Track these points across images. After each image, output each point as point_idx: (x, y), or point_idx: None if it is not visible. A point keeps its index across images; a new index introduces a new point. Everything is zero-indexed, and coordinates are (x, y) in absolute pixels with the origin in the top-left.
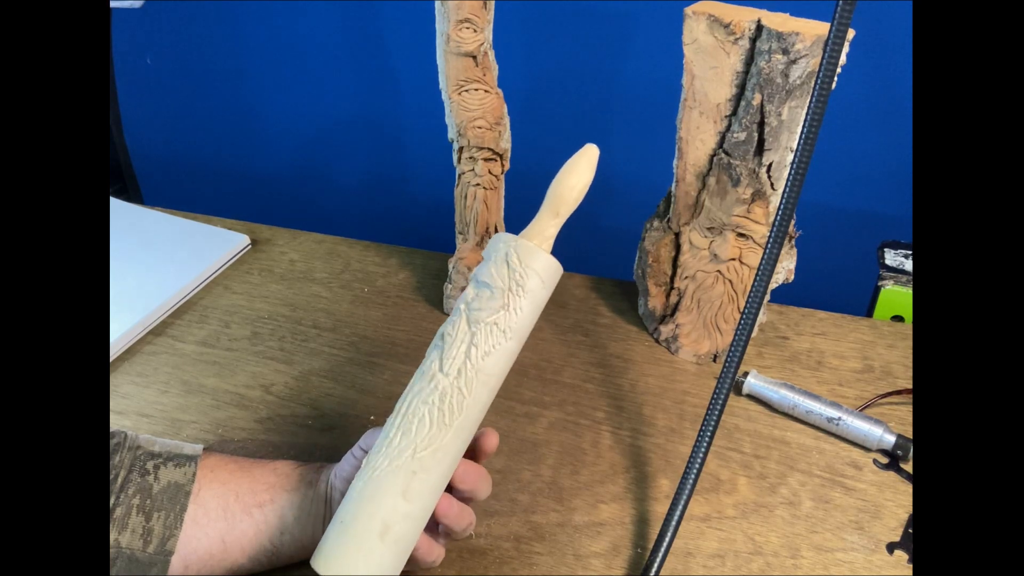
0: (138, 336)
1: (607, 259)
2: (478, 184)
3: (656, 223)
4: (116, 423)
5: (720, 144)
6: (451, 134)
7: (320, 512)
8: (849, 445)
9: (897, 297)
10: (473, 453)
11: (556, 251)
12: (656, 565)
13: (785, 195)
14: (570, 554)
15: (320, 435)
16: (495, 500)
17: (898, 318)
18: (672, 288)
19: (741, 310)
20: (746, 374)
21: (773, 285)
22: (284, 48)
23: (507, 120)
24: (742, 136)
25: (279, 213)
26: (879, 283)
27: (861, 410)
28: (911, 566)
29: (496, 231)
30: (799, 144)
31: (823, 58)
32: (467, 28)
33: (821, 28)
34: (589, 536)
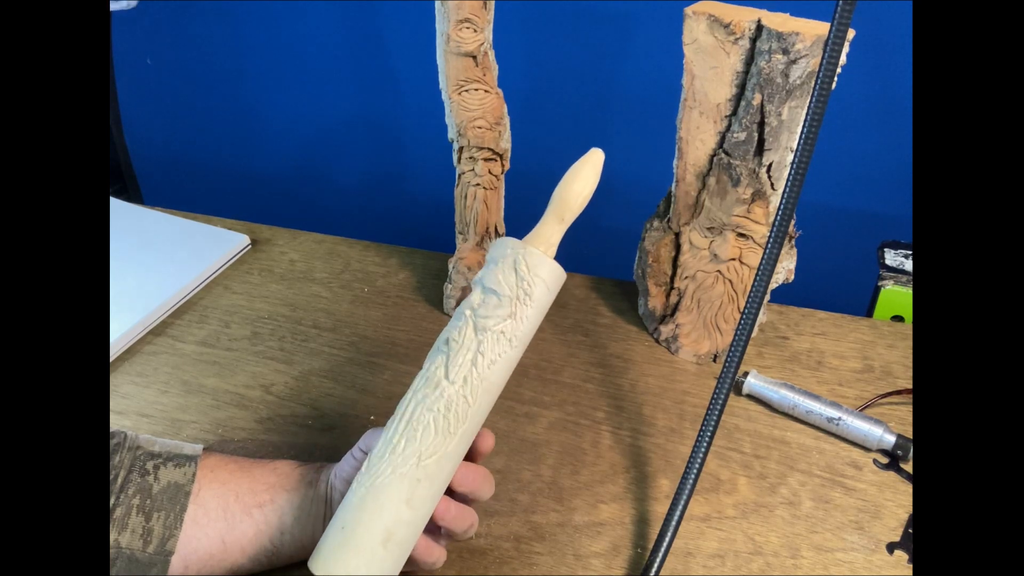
0: (138, 336)
1: (607, 259)
2: (478, 184)
3: (656, 223)
4: (116, 423)
5: (720, 144)
6: (451, 134)
7: (320, 512)
8: (849, 445)
9: (897, 297)
10: (469, 454)
11: (557, 251)
12: (656, 565)
13: (785, 195)
14: (570, 554)
15: (320, 435)
16: (495, 500)
17: (898, 318)
18: (672, 288)
19: (741, 310)
20: (746, 374)
21: (773, 285)
22: (284, 48)
23: (507, 120)
24: (742, 136)
25: (279, 213)
26: (879, 283)
27: (861, 410)
28: (911, 566)
29: (496, 231)
30: (799, 144)
31: (823, 58)
32: (467, 28)
33: (821, 28)
34: (589, 536)
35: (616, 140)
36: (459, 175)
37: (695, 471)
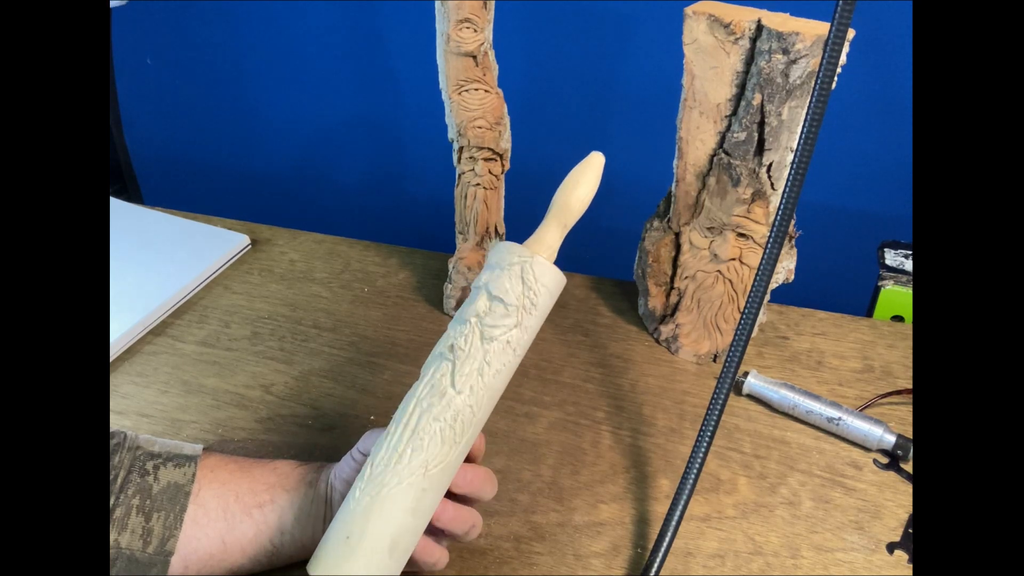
0: (138, 336)
1: (607, 259)
2: (478, 184)
3: (656, 223)
4: (116, 423)
5: (720, 144)
6: (451, 134)
7: (320, 512)
8: (849, 445)
9: (897, 297)
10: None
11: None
12: (656, 565)
13: (785, 195)
14: (570, 554)
15: (320, 435)
16: (495, 500)
17: (898, 318)
18: (672, 288)
19: (741, 310)
20: (746, 374)
21: (773, 285)
22: (284, 48)
23: (507, 120)
24: (742, 136)
25: (279, 213)
26: (879, 283)
27: (861, 410)
28: (911, 566)
29: (496, 231)
30: (799, 144)
31: (823, 58)
32: (467, 28)
33: (821, 28)
34: (589, 536)
35: (616, 140)
36: (459, 175)
37: (695, 471)
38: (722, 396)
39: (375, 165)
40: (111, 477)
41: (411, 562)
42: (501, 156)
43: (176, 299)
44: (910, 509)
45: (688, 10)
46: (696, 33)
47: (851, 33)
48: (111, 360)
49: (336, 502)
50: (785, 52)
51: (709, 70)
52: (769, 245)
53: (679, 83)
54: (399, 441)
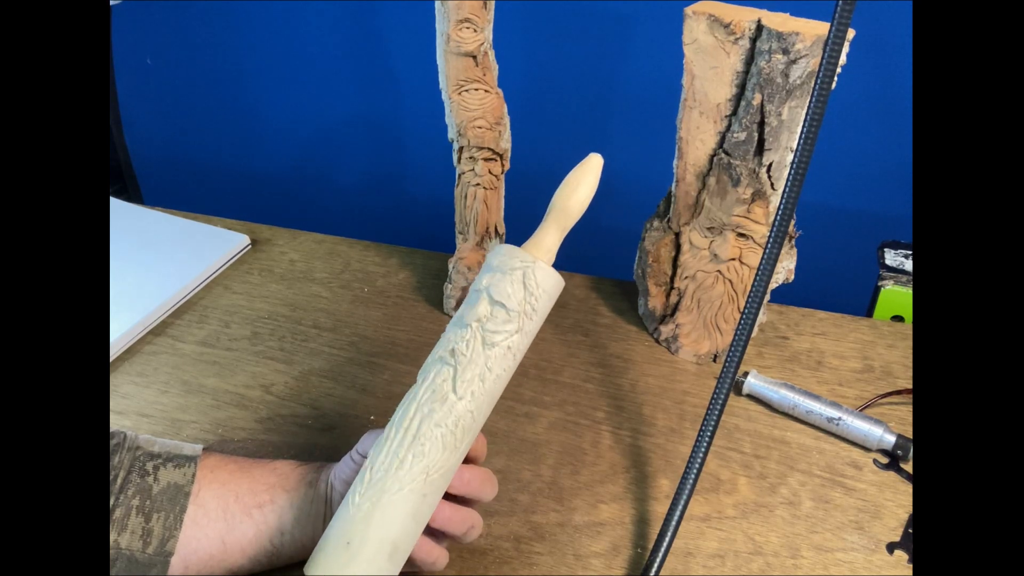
0: (138, 336)
1: (607, 259)
2: (478, 184)
3: (656, 223)
4: (116, 423)
5: (720, 144)
6: (451, 134)
7: (320, 512)
8: (849, 445)
9: (897, 297)
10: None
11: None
12: (656, 565)
13: (785, 195)
14: (570, 554)
15: (320, 435)
16: (495, 500)
17: (898, 318)
18: (672, 288)
19: (741, 310)
20: (746, 374)
21: (773, 285)
22: (284, 48)
23: (507, 120)
24: (742, 136)
25: (279, 213)
26: (879, 283)
27: (861, 410)
28: (911, 566)
29: (496, 231)
30: (799, 144)
31: (823, 58)
32: (467, 28)
33: (821, 28)
34: (589, 536)
35: (616, 140)
36: (459, 175)
37: (695, 471)
38: (722, 396)
39: (375, 165)
40: (111, 477)
41: (410, 562)
42: (501, 156)
43: (176, 299)
44: (910, 509)
45: (688, 10)
46: (696, 33)
47: (851, 33)
48: (111, 360)
49: (336, 502)
50: (785, 52)
51: (709, 70)
52: (769, 245)
53: (679, 83)
54: (399, 446)
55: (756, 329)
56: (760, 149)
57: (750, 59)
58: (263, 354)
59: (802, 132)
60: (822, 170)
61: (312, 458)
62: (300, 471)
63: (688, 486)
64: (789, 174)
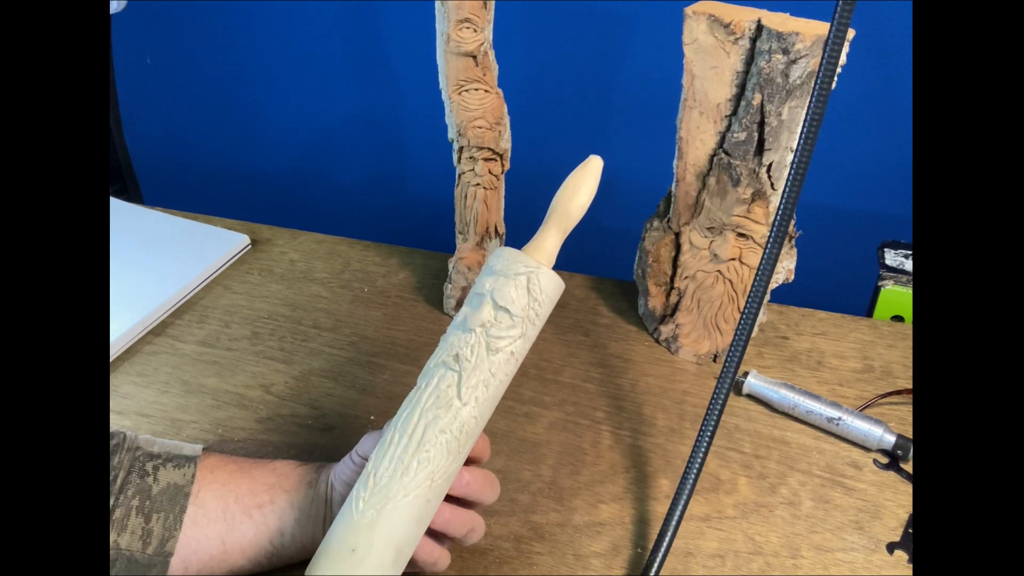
0: (138, 336)
1: (607, 259)
2: (478, 184)
3: (656, 223)
4: (116, 423)
5: (720, 144)
6: (451, 134)
7: (320, 513)
8: (849, 445)
9: (897, 297)
10: (467, 459)
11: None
12: (656, 565)
13: (785, 195)
14: (570, 554)
15: (320, 435)
16: (495, 500)
17: (898, 318)
18: (672, 288)
19: (741, 310)
20: (746, 374)
21: (773, 285)
22: (284, 48)
23: (507, 120)
24: (742, 136)
25: (279, 213)
26: (879, 283)
27: (861, 410)
28: (911, 566)
29: (496, 231)
30: (799, 144)
31: (823, 58)
32: (467, 28)
33: (821, 28)
34: (589, 536)
35: (616, 140)
36: (459, 175)
37: (695, 471)
38: (722, 396)
39: (375, 165)
40: (111, 478)
41: (412, 563)
42: (501, 156)
43: (176, 299)
44: (910, 509)
45: (688, 10)
46: (696, 33)
47: (851, 33)
48: (111, 360)
49: (336, 503)
50: (785, 52)
51: (709, 70)
52: (769, 245)
53: (679, 83)
54: (404, 452)
55: (756, 329)
56: (760, 149)
57: (750, 59)
58: (263, 354)
59: (802, 132)
60: (822, 170)
61: (312, 458)
62: (300, 471)
63: (688, 486)
64: (789, 174)
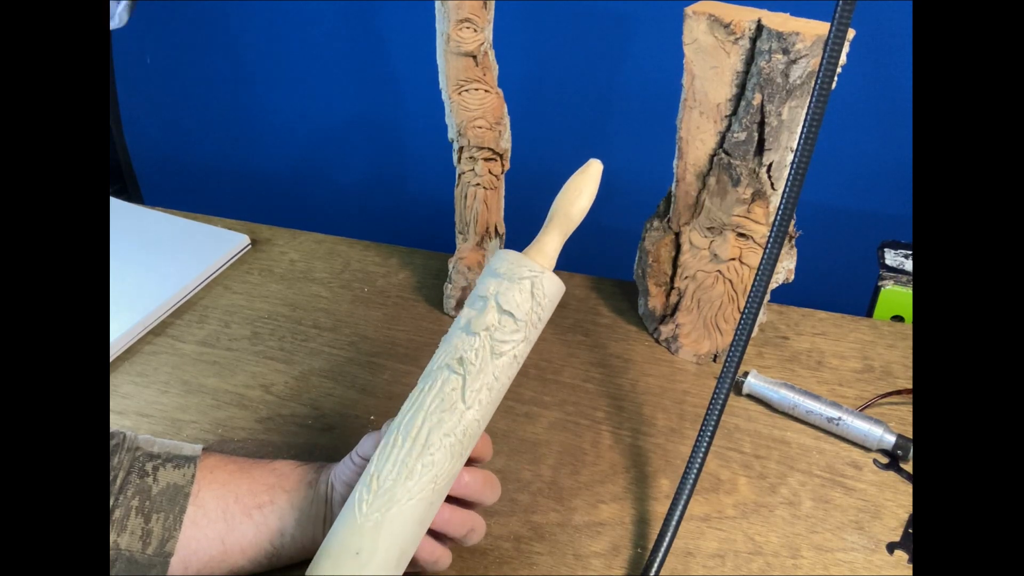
0: (138, 336)
1: (607, 259)
2: (478, 184)
3: (656, 223)
4: (116, 423)
5: (720, 144)
6: (451, 134)
7: (320, 513)
8: (849, 445)
9: (897, 297)
10: (468, 459)
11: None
12: (656, 565)
13: (785, 195)
14: (570, 554)
15: (320, 435)
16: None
17: (898, 318)
18: (672, 288)
19: (741, 310)
20: (746, 374)
21: (773, 285)
22: (284, 48)
23: (507, 120)
24: (742, 136)
25: (279, 213)
26: (879, 283)
27: (861, 410)
28: (911, 566)
29: (496, 231)
30: (799, 144)
31: (823, 58)
32: (467, 28)
33: (821, 28)
34: (589, 536)
35: (616, 140)
36: (459, 175)
37: (695, 471)
38: (722, 396)
39: (375, 165)
40: (110, 478)
41: (413, 562)
42: (501, 156)
43: (176, 299)
44: (910, 509)
45: (688, 10)
46: (696, 33)
47: (851, 33)
48: (111, 360)
49: (336, 503)
50: (785, 52)
51: (709, 70)
52: (769, 245)
53: (679, 83)
54: (408, 456)
55: (756, 329)
56: (760, 149)
57: (750, 59)
58: (263, 354)
59: (802, 132)
60: (822, 170)
61: (312, 458)
62: (300, 471)
63: (688, 486)
64: (789, 174)
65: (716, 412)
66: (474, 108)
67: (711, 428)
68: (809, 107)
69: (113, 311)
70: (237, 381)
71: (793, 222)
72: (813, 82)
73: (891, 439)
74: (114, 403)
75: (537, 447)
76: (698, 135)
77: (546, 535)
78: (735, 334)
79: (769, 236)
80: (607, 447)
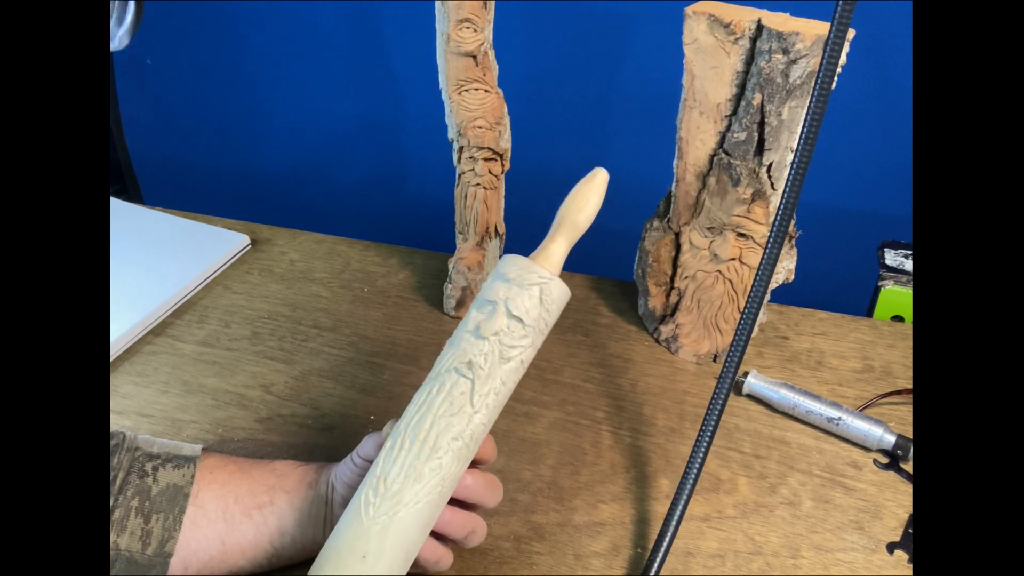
0: (138, 336)
1: (607, 259)
2: (478, 184)
3: (656, 223)
4: (116, 423)
5: (720, 144)
6: (451, 134)
7: (320, 514)
8: (849, 445)
9: (897, 297)
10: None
11: None
12: (656, 565)
13: (785, 195)
14: (570, 554)
15: (320, 435)
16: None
17: (898, 318)
18: (672, 288)
19: (741, 310)
20: (746, 374)
21: (773, 285)
22: (284, 48)
23: (507, 120)
24: (742, 136)
25: (279, 213)
26: (879, 283)
27: (861, 410)
28: (911, 566)
29: (496, 231)
30: (799, 144)
31: (823, 58)
32: (467, 28)
33: (821, 28)
34: (589, 536)
35: (616, 140)
36: (459, 175)
37: (695, 471)
38: (722, 396)
39: (375, 165)
40: (110, 478)
41: (414, 563)
42: (501, 156)
43: (176, 299)
44: (910, 509)
45: (688, 10)
46: (696, 33)
47: (851, 33)
48: (111, 360)
49: (337, 504)
50: (785, 52)
51: (709, 70)
52: (769, 245)
53: (679, 83)
54: (417, 459)
55: (756, 329)
56: (760, 149)
57: (750, 59)
58: (263, 354)
59: (802, 132)
60: (822, 170)
61: (312, 458)
62: (300, 472)
63: (688, 486)
64: (789, 174)
65: (716, 412)
66: (474, 108)
67: (711, 428)
68: (809, 107)
69: (113, 311)
70: (237, 381)
71: (793, 222)
72: (813, 82)
73: (891, 439)
74: (114, 403)
75: (537, 447)
76: (698, 135)
77: (546, 535)
78: (735, 334)
79: (769, 236)
80: (607, 447)
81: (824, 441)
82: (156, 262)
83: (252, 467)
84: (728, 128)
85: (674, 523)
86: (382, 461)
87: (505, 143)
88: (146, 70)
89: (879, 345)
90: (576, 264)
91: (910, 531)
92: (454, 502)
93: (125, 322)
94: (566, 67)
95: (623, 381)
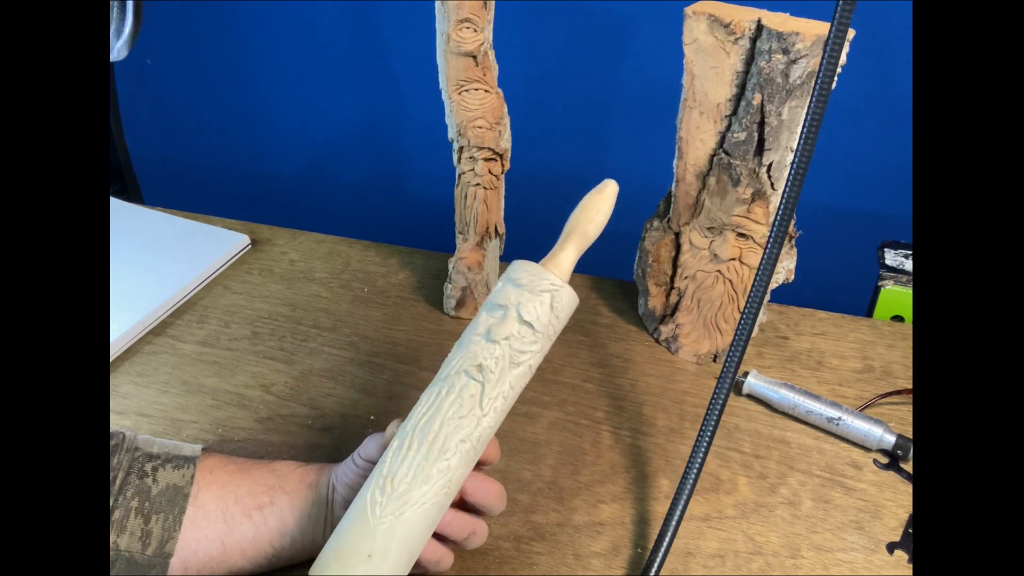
0: (138, 336)
1: (607, 259)
2: (478, 184)
3: (656, 223)
4: (116, 423)
5: (720, 144)
6: (451, 134)
7: (321, 515)
8: (849, 445)
9: (897, 297)
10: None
11: None
12: (656, 565)
13: (785, 195)
14: (570, 554)
15: (320, 435)
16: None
17: (898, 318)
18: (672, 288)
19: (741, 310)
20: (746, 374)
21: (773, 285)
22: (284, 48)
23: (507, 120)
24: (742, 136)
25: (279, 213)
26: (879, 283)
27: (861, 410)
28: (911, 566)
29: (496, 231)
30: (799, 144)
31: (823, 58)
32: (467, 28)
33: (821, 28)
34: (589, 536)
35: (616, 140)
36: (459, 175)
37: (695, 471)
38: (722, 396)
39: (375, 165)
40: (110, 478)
41: (417, 564)
42: (501, 156)
43: (176, 299)
44: (910, 509)
45: (688, 10)
46: (696, 33)
47: (851, 33)
48: (111, 360)
49: (338, 504)
50: (785, 52)
51: (709, 70)
52: (769, 245)
53: (679, 83)
54: (425, 460)
55: (756, 329)
56: (760, 149)
57: (750, 59)
58: (263, 354)
59: (802, 132)
60: (822, 170)
61: (312, 458)
62: (300, 472)
63: (688, 486)
64: (789, 174)
65: (716, 412)
66: (474, 108)
67: (711, 428)
68: (809, 107)
69: (113, 311)
70: (237, 381)
71: (793, 222)
72: (813, 82)
73: (891, 439)
74: (114, 403)
75: (537, 447)
76: (698, 135)
77: (546, 535)
78: (735, 334)
79: (769, 236)
80: (607, 447)
81: (824, 441)
82: (156, 262)
83: (252, 467)
84: (728, 128)
85: (674, 523)
86: (389, 461)
87: (505, 143)
88: (146, 70)
89: (879, 345)
90: (576, 264)
91: (910, 531)
92: (457, 504)
93: (125, 322)
94: (566, 67)
95: (623, 381)
